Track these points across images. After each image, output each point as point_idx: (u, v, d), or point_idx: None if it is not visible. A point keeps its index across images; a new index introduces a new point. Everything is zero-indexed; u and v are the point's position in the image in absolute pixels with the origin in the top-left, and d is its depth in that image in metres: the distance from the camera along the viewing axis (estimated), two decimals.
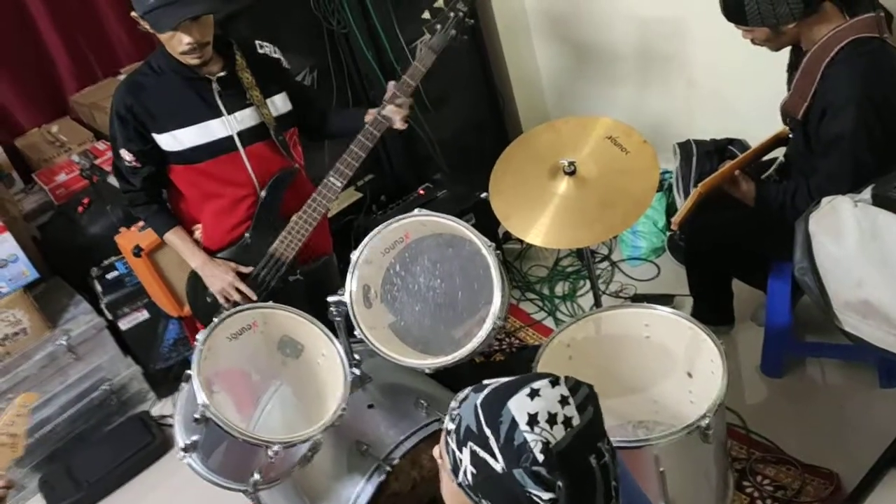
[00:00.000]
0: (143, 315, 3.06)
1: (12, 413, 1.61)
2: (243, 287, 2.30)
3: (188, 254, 2.34)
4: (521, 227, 2.18)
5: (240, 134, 2.22)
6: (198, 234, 2.38)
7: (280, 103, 2.29)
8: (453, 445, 1.08)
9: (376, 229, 2.08)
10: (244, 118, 2.22)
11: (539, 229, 2.16)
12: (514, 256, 3.40)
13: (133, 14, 2.05)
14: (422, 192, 3.18)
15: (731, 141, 2.79)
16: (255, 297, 2.30)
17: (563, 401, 1.05)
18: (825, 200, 1.94)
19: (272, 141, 2.26)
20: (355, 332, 2.04)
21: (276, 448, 1.80)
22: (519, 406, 1.04)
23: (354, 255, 2.07)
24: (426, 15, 2.29)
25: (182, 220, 2.38)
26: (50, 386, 2.96)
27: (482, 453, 1.04)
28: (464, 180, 3.16)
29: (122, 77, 3.63)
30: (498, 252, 2.01)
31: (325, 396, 2.01)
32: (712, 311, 2.67)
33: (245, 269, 2.32)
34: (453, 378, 2.12)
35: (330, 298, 2.06)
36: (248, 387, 2.08)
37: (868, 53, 2.03)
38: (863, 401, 2.42)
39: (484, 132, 3.56)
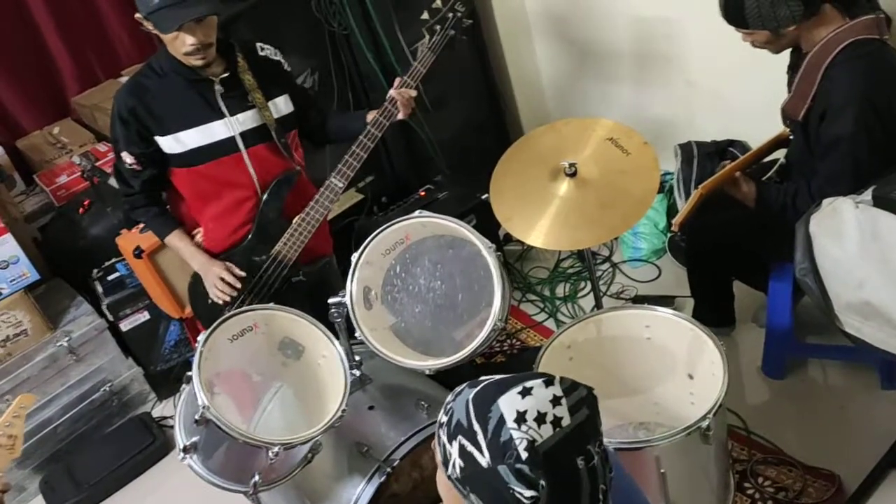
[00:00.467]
0: (144, 316, 3.07)
1: (10, 414, 1.61)
2: (229, 278, 2.29)
3: (189, 256, 2.34)
4: (521, 228, 2.19)
5: (242, 135, 2.22)
6: (199, 237, 2.38)
7: (282, 105, 2.29)
8: (444, 438, 1.09)
9: (377, 231, 2.08)
10: (246, 120, 2.23)
11: (540, 231, 2.16)
12: (514, 258, 3.40)
13: (137, 16, 2.05)
14: (423, 193, 3.18)
15: (731, 142, 2.80)
16: (238, 286, 2.30)
17: (555, 401, 1.05)
18: (826, 202, 1.94)
19: (274, 143, 2.26)
20: (356, 334, 2.04)
21: (276, 449, 1.80)
22: (509, 403, 1.05)
23: (355, 257, 2.07)
24: (425, 16, 2.29)
25: (182, 223, 2.38)
26: (51, 387, 2.96)
27: (470, 447, 1.05)
28: (465, 182, 3.17)
29: (123, 79, 3.65)
30: (499, 253, 2.01)
31: (325, 398, 2.01)
32: (713, 313, 2.67)
33: (239, 272, 2.31)
34: (454, 379, 2.10)
35: (331, 300, 2.07)
36: (248, 388, 2.08)
37: (868, 55, 2.03)
38: (864, 402, 2.42)
39: (484, 133, 3.56)
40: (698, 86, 3.04)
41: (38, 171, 3.55)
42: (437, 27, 2.26)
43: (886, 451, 2.23)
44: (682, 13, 2.89)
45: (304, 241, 2.28)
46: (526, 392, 1.05)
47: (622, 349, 2.16)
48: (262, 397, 2.08)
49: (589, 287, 3.17)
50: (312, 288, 2.38)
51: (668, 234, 3.18)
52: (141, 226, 2.74)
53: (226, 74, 2.18)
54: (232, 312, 1.98)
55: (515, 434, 1.02)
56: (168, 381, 3.20)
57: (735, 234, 2.44)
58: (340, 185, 2.24)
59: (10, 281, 2.87)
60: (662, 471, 1.84)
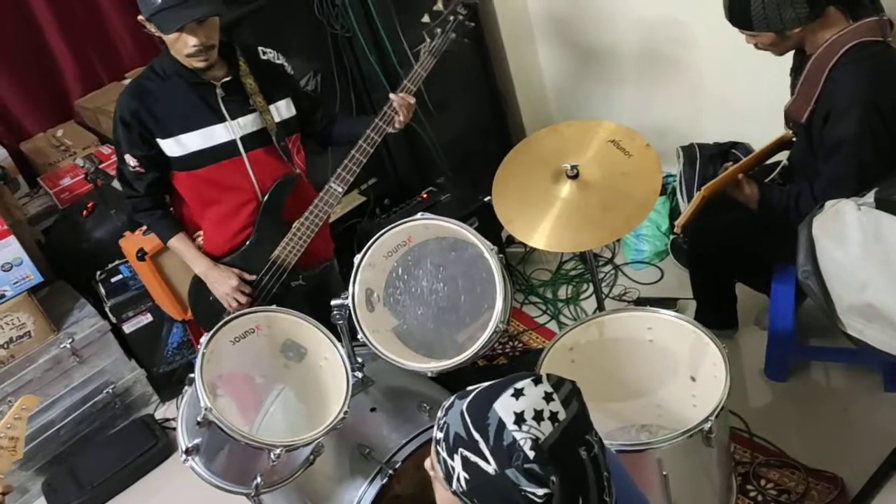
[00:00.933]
0: (147, 318, 3.07)
1: (12, 416, 1.61)
2: (248, 290, 2.31)
3: (191, 259, 2.34)
4: (524, 230, 2.19)
5: (242, 139, 2.22)
6: (200, 240, 2.38)
7: (283, 109, 2.29)
8: (444, 454, 1.08)
9: (379, 233, 2.09)
10: (247, 123, 2.23)
11: (542, 233, 2.16)
12: (517, 260, 3.40)
13: (140, 18, 2.06)
14: (425, 195, 3.18)
15: (734, 144, 2.80)
16: (248, 295, 2.31)
17: (548, 397, 1.06)
18: (829, 204, 1.94)
19: (274, 147, 2.26)
20: (358, 336, 2.04)
21: (278, 451, 1.81)
22: (505, 407, 1.05)
23: (357, 259, 2.07)
24: (426, 19, 2.28)
25: (184, 226, 2.38)
26: (54, 389, 2.97)
27: (473, 458, 1.05)
28: (467, 184, 3.17)
29: (126, 81, 3.65)
30: (501, 255, 2.01)
31: (327, 400, 2.01)
32: (716, 315, 2.66)
33: (249, 277, 2.32)
34: (456, 381, 2.12)
35: (333, 302, 2.07)
36: (251, 390, 2.08)
37: (872, 57, 2.03)
38: (867, 405, 2.41)
39: (487, 136, 3.57)
40: (701, 88, 3.03)
41: (42, 174, 3.56)
42: (438, 30, 2.25)
43: (889, 454, 2.22)
44: (685, 15, 2.90)
45: (304, 245, 2.28)
46: (518, 393, 1.06)
47: (624, 351, 2.16)
48: (264, 399, 2.08)
49: (591, 289, 3.17)
50: (312, 292, 2.38)
51: (671, 237, 3.18)
52: (144, 228, 2.74)
53: (227, 78, 2.18)
54: (234, 314, 1.98)
55: (518, 435, 1.02)
56: (171, 383, 3.20)
57: (737, 237, 2.44)
58: (340, 190, 2.24)
59: (14, 283, 2.88)
60: (665, 473, 1.84)
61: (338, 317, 2.07)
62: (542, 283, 3.30)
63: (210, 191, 2.28)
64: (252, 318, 2.01)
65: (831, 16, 2.06)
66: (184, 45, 2.04)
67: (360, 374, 2.15)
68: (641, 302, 3.03)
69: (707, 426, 1.79)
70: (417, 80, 2.25)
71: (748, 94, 2.81)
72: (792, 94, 2.23)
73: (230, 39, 2.22)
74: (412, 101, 2.24)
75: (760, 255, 2.44)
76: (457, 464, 1.06)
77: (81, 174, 3.35)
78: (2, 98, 3.69)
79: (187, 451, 1.91)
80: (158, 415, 3.16)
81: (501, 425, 1.03)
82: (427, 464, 1.15)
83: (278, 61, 2.32)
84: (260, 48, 2.29)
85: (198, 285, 2.38)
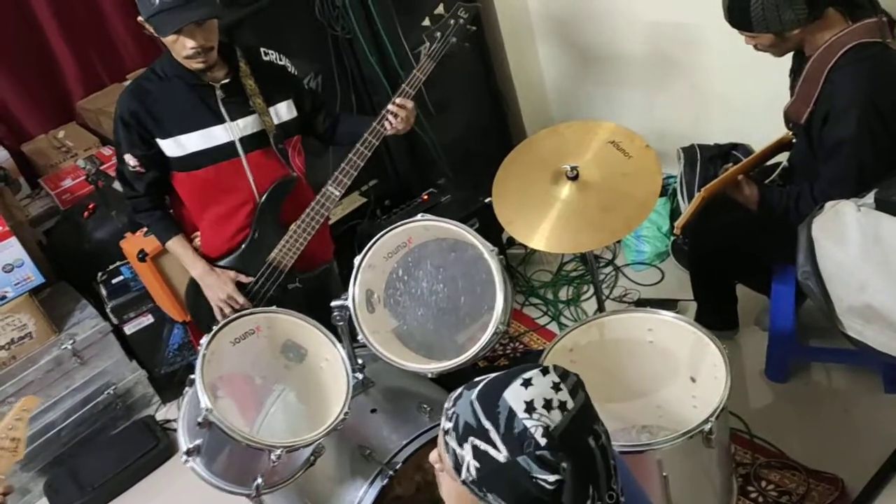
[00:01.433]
0: (148, 320, 3.08)
1: (13, 417, 1.61)
2: (242, 300, 2.30)
3: (189, 262, 2.34)
4: (524, 231, 2.19)
5: (241, 140, 2.22)
6: (197, 241, 2.39)
7: (283, 111, 2.29)
8: (453, 443, 1.09)
9: (380, 234, 2.09)
10: (246, 125, 2.23)
11: (542, 234, 2.16)
12: (517, 261, 3.40)
13: (139, 18, 2.06)
14: (425, 197, 3.18)
15: (734, 146, 2.80)
16: (241, 304, 2.30)
17: (556, 387, 1.07)
18: (828, 205, 1.94)
19: (272, 149, 2.26)
20: (358, 337, 2.04)
21: (278, 452, 1.81)
22: (514, 395, 1.06)
23: (358, 260, 2.07)
24: (426, 22, 2.27)
25: (183, 227, 2.38)
26: (55, 390, 2.97)
27: (484, 446, 1.05)
28: (467, 185, 3.17)
29: (127, 83, 3.66)
30: (501, 257, 2.01)
31: (327, 401, 2.01)
32: (716, 316, 2.67)
33: (245, 279, 2.32)
34: (457, 383, 2.10)
35: (333, 303, 2.07)
36: (251, 391, 2.09)
37: (871, 58, 2.03)
38: (868, 406, 2.41)
39: (487, 137, 3.57)
40: (702, 89, 3.04)
41: (43, 175, 3.57)
42: (438, 34, 2.25)
43: (890, 455, 2.23)
44: (684, 16, 2.89)
45: (301, 248, 2.28)
46: (527, 383, 1.07)
47: (625, 352, 2.16)
48: (264, 400, 2.08)
49: (591, 290, 3.17)
50: (311, 294, 2.37)
51: (671, 238, 3.18)
52: (145, 229, 2.75)
53: (227, 79, 2.19)
54: (234, 315, 1.98)
55: (529, 423, 1.03)
56: (172, 384, 3.21)
57: (738, 238, 2.44)
58: (337, 193, 2.24)
59: (15, 284, 2.88)
60: (665, 474, 1.84)
61: (338, 318, 2.07)
62: (542, 285, 3.30)
63: (208, 192, 2.28)
64: (252, 319, 2.01)
65: (830, 17, 2.06)
66: (182, 47, 2.05)
67: (360, 375, 2.16)
68: (642, 303, 3.03)
69: (707, 427, 1.79)
70: (416, 84, 2.24)
71: (748, 95, 2.81)
72: (791, 95, 2.23)
73: (230, 41, 2.23)
74: (410, 105, 2.23)
75: (760, 256, 2.44)
76: (466, 453, 1.07)
77: (83, 175, 3.35)
78: (3, 99, 3.70)
79: (188, 452, 1.91)
80: (159, 416, 3.16)
81: (512, 413, 1.04)
82: (433, 456, 1.16)
83: (281, 62, 2.32)
84: (262, 49, 2.29)
85: (195, 287, 2.38)
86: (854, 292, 1.86)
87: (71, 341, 2.96)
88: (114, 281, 3.06)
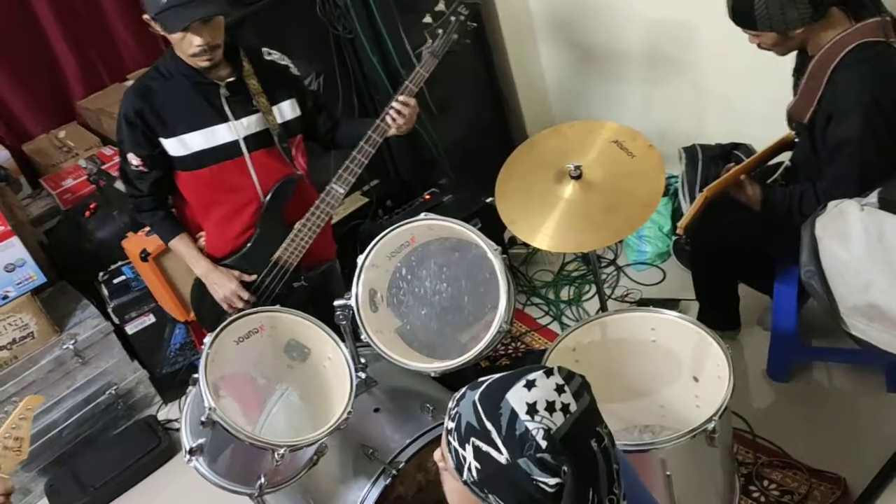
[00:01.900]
0: (150, 319, 3.08)
1: (17, 416, 1.61)
2: (246, 295, 2.31)
3: (192, 261, 2.35)
4: (526, 231, 2.19)
5: (245, 139, 2.23)
6: (202, 241, 2.39)
7: (287, 110, 2.29)
8: (455, 443, 1.09)
9: (383, 233, 2.09)
10: (250, 124, 2.23)
11: (545, 233, 2.16)
12: (519, 261, 3.40)
13: (145, 17, 2.06)
14: (428, 196, 3.18)
15: (736, 145, 2.80)
16: (247, 299, 2.31)
17: (559, 389, 1.07)
18: (832, 204, 1.94)
19: (276, 148, 2.26)
20: (361, 336, 2.04)
21: (282, 451, 1.80)
22: (517, 397, 1.06)
23: (361, 259, 2.07)
24: (427, 19, 2.28)
25: (187, 226, 2.39)
26: (56, 390, 2.97)
27: (485, 447, 1.05)
28: (469, 185, 3.17)
29: (129, 83, 3.66)
30: (504, 256, 2.01)
31: (330, 400, 2.01)
32: (718, 316, 2.66)
33: (249, 278, 2.32)
34: (460, 382, 2.11)
35: (336, 302, 2.07)
36: (253, 391, 2.09)
37: (874, 58, 2.03)
38: (870, 405, 2.42)
39: (489, 136, 3.57)
40: (703, 89, 3.04)
41: (45, 175, 3.57)
42: (440, 31, 2.25)
43: (892, 454, 2.23)
44: (686, 16, 2.90)
45: (305, 246, 2.28)
46: (530, 384, 1.07)
47: (627, 352, 2.16)
48: (266, 400, 2.09)
49: (593, 290, 3.17)
50: (314, 293, 2.38)
51: (673, 238, 3.18)
52: (147, 229, 2.75)
53: (231, 78, 2.19)
54: (238, 315, 1.98)
55: (530, 425, 1.03)
56: (173, 384, 3.20)
57: (740, 237, 2.44)
58: (342, 191, 2.24)
59: (17, 284, 2.88)
60: (668, 473, 1.84)
61: (341, 317, 2.07)
62: (544, 285, 3.30)
63: (212, 191, 2.28)
64: (256, 319, 2.01)
65: (834, 16, 2.07)
66: (188, 45, 2.05)
67: (363, 375, 2.15)
68: (644, 303, 3.03)
69: (710, 426, 1.79)
70: (419, 80, 2.25)
71: (750, 95, 2.81)
72: (794, 94, 2.23)
73: (233, 40, 2.23)
74: (413, 102, 2.23)
75: (763, 255, 2.44)
76: (468, 454, 1.07)
77: (84, 175, 3.35)
78: (4, 99, 3.70)
79: (191, 452, 1.91)
80: (161, 416, 3.16)
81: (514, 415, 1.04)
82: (437, 455, 1.16)
83: (283, 62, 2.32)
84: (264, 49, 2.30)
85: (200, 286, 2.39)
86: (858, 291, 1.86)
87: (72, 341, 2.95)
88: (115, 281, 3.06)
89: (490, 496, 1.06)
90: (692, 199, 2.77)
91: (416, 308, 2.13)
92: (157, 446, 2.96)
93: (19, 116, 3.75)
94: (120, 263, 3.10)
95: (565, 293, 3.25)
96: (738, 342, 2.73)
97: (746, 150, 2.76)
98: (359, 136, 2.24)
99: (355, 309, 2.04)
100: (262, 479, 1.89)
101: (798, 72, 2.25)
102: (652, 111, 3.21)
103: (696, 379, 2.09)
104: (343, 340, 2.06)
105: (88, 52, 3.82)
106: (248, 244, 2.33)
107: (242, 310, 2.28)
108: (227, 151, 2.22)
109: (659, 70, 3.15)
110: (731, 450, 2.09)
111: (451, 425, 1.10)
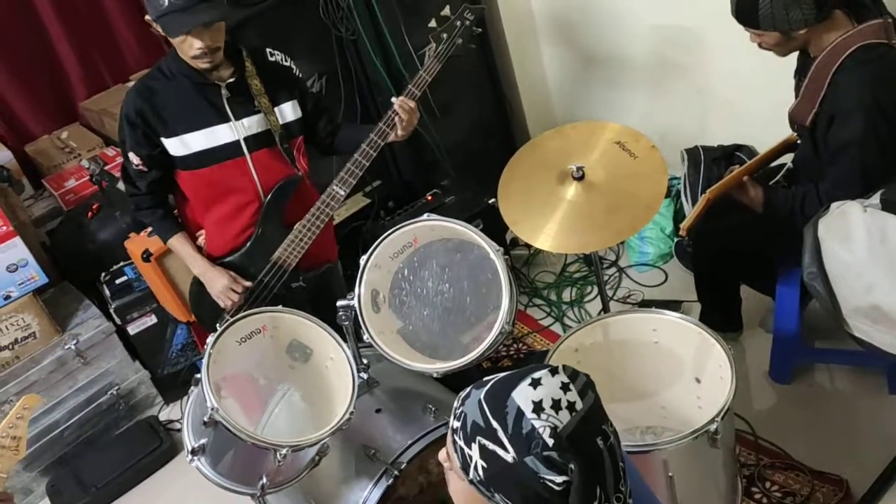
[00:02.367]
0: (152, 320, 3.08)
1: (14, 415, 1.61)
2: (240, 288, 2.30)
3: (190, 259, 2.35)
4: (529, 231, 2.19)
5: (246, 140, 2.23)
6: (201, 240, 2.39)
7: (288, 111, 2.29)
8: (461, 443, 1.09)
9: (385, 234, 2.09)
10: (252, 125, 2.23)
11: (547, 234, 2.16)
12: (521, 262, 3.40)
13: (147, 17, 2.07)
14: (430, 197, 3.19)
15: (738, 147, 2.80)
16: (241, 291, 2.31)
17: (565, 387, 1.07)
18: (834, 205, 1.94)
19: (277, 148, 2.27)
20: (364, 337, 2.04)
21: (284, 451, 1.80)
22: (523, 395, 1.06)
23: (363, 260, 2.07)
24: (433, 24, 2.29)
25: (187, 225, 2.39)
26: (58, 390, 2.97)
27: (491, 446, 1.05)
28: (471, 186, 3.17)
29: (131, 83, 3.66)
30: (506, 257, 2.01)
31: (332, 400, 2.01)
32: (720, 317, 2.66)
33: (245, 283, 2.32)
34: (461, 383, 2.10)
35: (339, 303, 2.07)
36: (254, 391, 2.09)
37: (876, 59, 2.04)
38: (872, 407, 2.41)
39: (491, 137, 3.57)
40: (705, 91, 3.04)
41: (47, 176, 3.57)
42: (444, 35, 2.25)
43: (894, 456, 2.22)
44: (688, 19, 2.90)
45: (305, 247, 2.28)
46: (536, 383, 1.07)
47: (629, 353, 2.16)
48: (268, 400, 2.09)
49: (595, 291, 3.17)
50: (314, 293, 2.38)
51: (675, 239, 3.18)
52: (149, 230, 2.75)
53: (233, 79, 2.19)
54: (241, 314, 1.98)
55: (537, 423, 1.03)
56: (175, 384, 3.21)
57: (742, 239, 2.44)
58: (342, 192, 2.24)
59: (19, 284, 2.88)
60: (670, 474, 1.84)
61: (343, 318, 2.07)
62: (546, 286, 3.30)
63: (213, 191, 2.29)
64: (258, 319, 2.01)
65: (836, 18, 2.07)
66: (189, 48, 2.05)
67: (365, 375, 2.15)
68: (646, 304, 3.03)
69: (713, 427, 1.79)
70: (422, 84, 2.25)
71: (752, 97, 2.81)
72: (796, 96, 2.23)
73: (236, 41, 2.23)
74: (413, 104, 2.24)
75: (765, 257, 2.44)
76: (474, 452, 1.07)
77: (86, 176, 3.35)
78: (6, 100, 3.70)
79: (193, 452, 1.91)
80: (162, 416, 3.16)
81: (520, 414, 1.04)
82: (442, 455, 1.16)
83: (286, 63, 2.32)
84: (268, 49, 2.30)
85: (198, 286, 2.39)
86: (860, 293, 1.86)
87: (74, 341, 2.96)
88: (117, 281, 3.06)
89: (496, 495, 1.06)
90: (694, 200, 2.77)
91: (419, 309, 2.13)
92: (158, 447, 2.96)
93: (21, 117, 3.75)
94: (122, 264, 3.10)
95: (567, 294, 3.25)
96: (740, 344, 2.73)
97: (749, 151, 2.76)
98: (358, 142, 2.25)
99: (358, 309, 2.05)
100: (264, 480, 1.90)
101: (800, 74, 2.25)
102: (654, 113, 3.22)
103: (698, 380, 2.09)
104: (345, 341, 2.06)
105: (91, 52, 3.82)
106: (248, 243, 2.33)
107: (238, 304, 2.29)
108: (228, 151, 2.22)
109: (661, 72, 3.15)
110: (733, 451, 2.09)
111: (457, 424, 1.10)
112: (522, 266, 3.40)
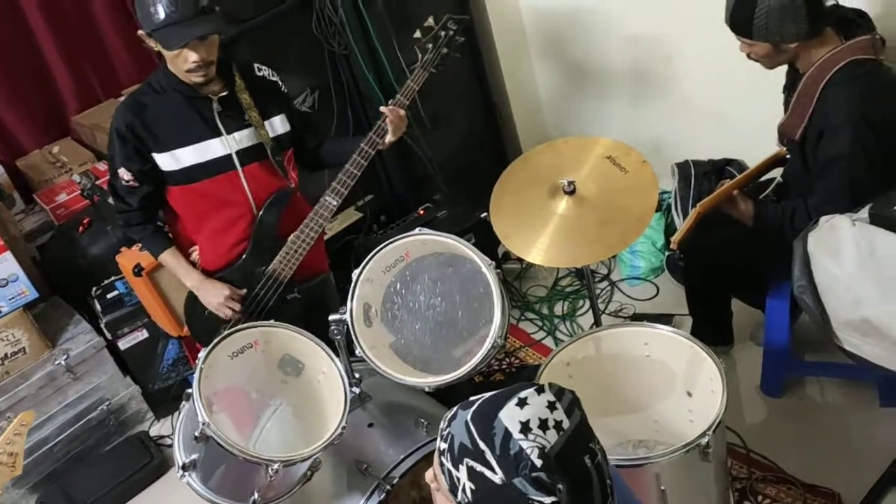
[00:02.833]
0: (143, 335, 3.06)
1: (11, 432, 1.61)
2: (238, 301, 2.30)
3: (183, 273, 2.35)
4: (521, 245, 2.19)
5: (238, 153, 2.23)
6: (195, 255, 2.39)
7: (278, 125, 2.30)
8: (449, 465, 1.08)
9: (377, 248, 2.09)
10: (243, 138, 2.24)
11: (539, 248, 2.17)
12: (513, 276, 3.41)
13: (140, 32, 2.07)
14: (422, 211, 3.19)
15: (728, 161, 2.82)
16: (239, 302, 2.31)
17: (551, 406, 1.07)
18: (824, 219, 1.96)
19: (269, 162, 2.27)
20: (356, 351, 2.04)
21: (276, 466, 1.80)
22: (510, 416, 1.05)
23: (356, 274, 2.07)
24: (417, 34, 2.32)
25: (178, 241, 2.38)
26: (48, 406, 2.95)
27: (479, 467, 1.05)
28: (463, 200, 3.18)
29: (123, 98, 3.66)
30: (498, 271, 2.02)
31: (325, 415, 2.01)
32: (712, 331, 2.67)
33: (240, 292, 2.32)
34: (453, 397, 2.11)
35: (331, 317, 2.07)
36: (247, 405, 2.08)
37: (865, 75, 2.06)
38: (863, 420, 2.42)
39: (482, 151, 3.59)
40: (696, 105, 3.06)
41: (38, 191, 3.56)
42: (429, 45, 2.27)
43: (886, 469, 2.23)
44: (679, 33, 2.92)
45: (299, 258, 2.28)
46: (523, 402, 1.06)
47: (621, 367, 2.16)
48: (260, 415, 2.08)
49: (587, 305, 3.17)
50: (308, 305, 2.38)
51: (666, 253, 3.20)
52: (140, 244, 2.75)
53: (224, 93, 2.20)
54: (233, 329, 1.98)
55: (524, 444, 1.03)
56: (166, 399, 3.19)
57: (733, 253, 2.46)
58: (335, 202, 2.25)
59: (10, 299, 2.87)
60: (663, 488, 1.84)
61: (335, 332, 2.07)
62: (538, 300, 3.31)
63: (205, 205, 2.29)
64: (250, 333, 2.01)
65: (826, 34, 2.09)
66: (184, 61, 2.06)
67: (357, 390, 2.15)
68: (637, 318, 3.04)
69: (704, 441, 1.80)
70: (410, 93, 2.27)
71: (742, 112, 2.83)
72: (785, 111, 2.25)
73: (227, 56, 2.24)
74: (402, 113, 2.25)
75: (755, 271, 2.46)
76: (462, 474, 1.06)
77: (77, 190, 3.34)
78: None
79: (184, 467, 1.91)
80: (153, 432, 3.14)
81: (507, 434, 1.04)
82: (429, 475, 1.15)
83: (273, 78, 2.33)
84: (256, 64, 2.31)
85: (193, 301, 2.38)
86: (850, 306, 1.87)
87: (64, 356, 2.94)
88: (108, 296, 3.05)
89: None
90: (685, 214, 2.78)
91: (411, 323, 2.13)
92: (149, 462, 2.94)
93: (13, 131, 3.74)
94: (113, 278, 3.09)
95: (559, 308, 3.26)
96: (731, 357, 2.74)
97: (738, 165, 2.77)
98: (344, 154, 2.26)
99: (350, 323, 2.05)
100: (256, 495, 1.89)
101: (789, 89, 2.27)
102: (645, 127, 3.24)
103: (689, 394, 2.09)
104: (337, 355, 2.06)
105: (83, 66, 3.82)
106: (242, 257, 2.33)
107: (238, 316, 2.29)
108: (220, 166, 2.23)
109: (652, 87, 3.17)
110: (725, 465, 2.09)
111: (444, 446, 1.10)
112: (514, 280, 3.40)
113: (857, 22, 2.11)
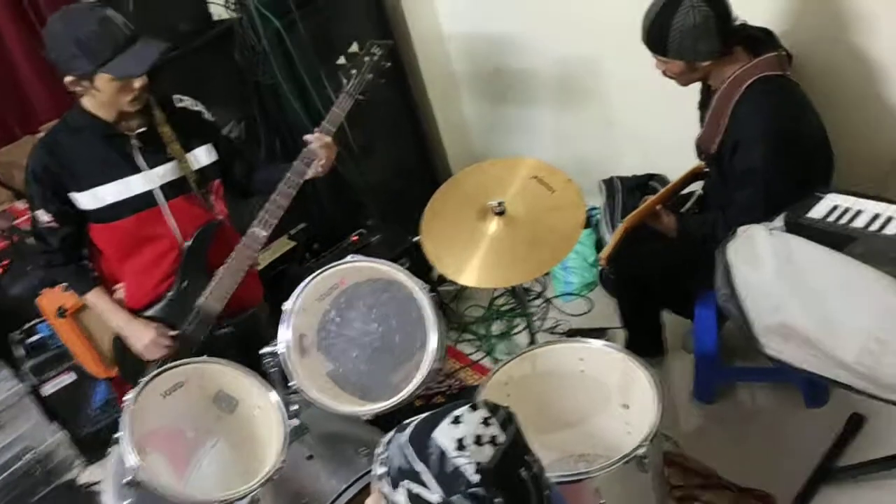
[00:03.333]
0: (70, 378, 2.95)
1: None
2: (168, 341, 2.24)
3: (109, 314, 2.27)
4: (453, 268, 2.21)
5: (162, 188, 2.19)
6: (120, 293, 2.32)
7: (202, 156, 2.26)
8: (387, 489, 1.08)
9: (308, 277, 2.07)
10: (165, 173, 2.19)
11: (472, 270, 2.18)
12: (450, 298, 3.42)
13: (69, 78, 1.99)
14: (355, 238, 3.18)
15: (651, 176, 2.90)
16: (170, 344, 2.24)
17: (485, 422, 1.08)
18: (741, 230, 2.02)
19: (194, 195, 2.23)
20: (291, 383, 2.01)
21: None
22: (445, 434, 1.06)
23: (288, 304, 2.05)
24: (342, 60, 2.32)
25: (103, 278, 2.31)
26: None
27: (417, 489, 1.05)
28: (396, 225, 3.18)
29: (41, 135, 3.54)
30: (434, 294, 2.02)
31: (263, 450, 1.97)
32: (645, 342, 2.72)
33: (172, 333, 2.26)
34: (394, 423, 2.09)
35: (263, 350, 2.03)
36: (182, 444, 2.02)
37: (774, 90, 2.15)
38: (791, 422, 2.50)
39: (413, 176, 3.60)
40: (620, 123, 3.14)
41: None
42: (354, 71, 2.28)
43: (815, 468, 2.30)
44: (602, 54, 2.99)
45: (230, 291, 2.23)
46: (457, 420, 1.07)
47: (558, 383, 2.18)
48: (196, 453, 2.02)
49: (524, 323, 3.20)
50: (240, 338, 2.33)
51: (598, 268, 3.25)
52: (64, 284, 2.65)
53: (143, 129, 2.15)
54: (162, 368, 1.93)
55: (460, 461, 1.04)
56: (97, 443, 3.06)
57: (660, 265, 2.51)
58: (263, 234, 2.21)
59: None
60: (603, 502, 1.86)
61: (270, 364, 2.04)
62: (475, 320, 3.32)
63: (129, 242, 2.22)
64: (181, 371, 1.96)
65: (736, 52, 2.18)
66: (129, 90, 2.01)
67: (295, 422, 2.11)
68: (573, 333, 3.08)
69: (641, 452, 1.82)
70: (336, 120, 2.25)
71: (663, 128, 2.91)
72: (701, 127, 2.33)
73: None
74: (328, 140, 2.23)
75: (683, 281, 2.52)
76: (400, 497, 1.06)
77: None
78: None
79: None
80: (83, 478, 3.02)
81: (443, 453, 1.05)
82: (368, 503, 1.14)
83: (195, 108, 2.29)
84: (175, 96, 2.27)
85: (121, 341, 2.31)
86: (770, 312, 1.93)
87: None
88: (30, 340, 2.93)
89: None
90: (614, 229, 2.84)
91: (348, 350, 2.12)
92: None
93: None
94: (35, 321, 2.97)
95: (496, 328, 3.28)
96: (665, 367, 2.80)
97: (661, 180, 2.85)
98: (275, 182, 2.23)
99: (284, 355, 2.01)
100: None
101: (703, 105, 2.36)
102: (573, 146, 3.30)
103: (625, 406, 2.13)
104: (273, 388, 2.02)
105: None
106: (169, 293, 2.27)
107: (166, 357, 2.22)
108: (143, 201, 2.17)
109: (577, 107, 3.24)
110: (661, 474, 2.12)
111: (382, 470, 1.10)
112: (451, 301, 3.41)
113: (764, 40, 2.21)
